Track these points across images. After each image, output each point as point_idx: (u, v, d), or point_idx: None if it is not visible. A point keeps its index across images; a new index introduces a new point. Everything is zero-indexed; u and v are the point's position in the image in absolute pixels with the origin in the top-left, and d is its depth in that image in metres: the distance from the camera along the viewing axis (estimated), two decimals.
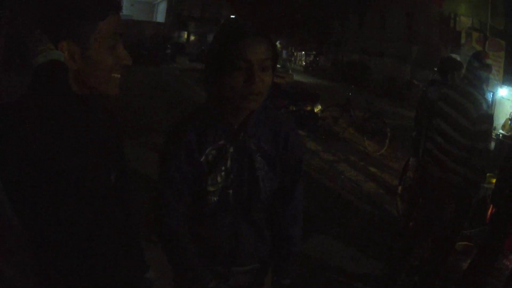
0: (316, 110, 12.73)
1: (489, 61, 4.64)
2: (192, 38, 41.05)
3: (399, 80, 22.00)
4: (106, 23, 1.59)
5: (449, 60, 5.80)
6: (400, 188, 7.10)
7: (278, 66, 29.97)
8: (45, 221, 1.58)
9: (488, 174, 4.88)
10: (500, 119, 8.78)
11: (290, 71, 23.67)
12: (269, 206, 2.34)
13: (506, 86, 9.47)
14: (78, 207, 1.64)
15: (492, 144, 6.64)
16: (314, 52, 40.24)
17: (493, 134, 7.54)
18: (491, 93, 8.72)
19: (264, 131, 2.21)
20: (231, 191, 2.19)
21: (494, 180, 5.13)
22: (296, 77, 23.42)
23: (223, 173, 2.15)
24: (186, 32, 42.18)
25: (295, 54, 44.74)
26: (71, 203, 1.61)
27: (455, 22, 18.13)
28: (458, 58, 6.40)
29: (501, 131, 8.57)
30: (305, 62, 42.20)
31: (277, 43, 28.88)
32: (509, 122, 8.69)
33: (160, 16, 48.49)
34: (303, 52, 42.75)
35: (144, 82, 19.14)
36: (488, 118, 4.44)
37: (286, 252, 2.41)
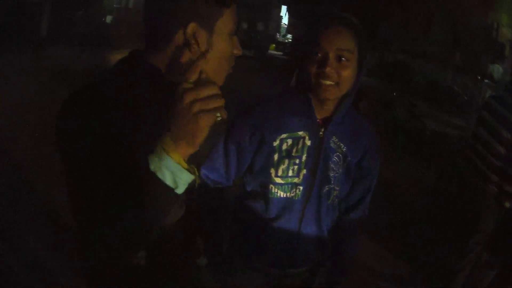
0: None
1: None
2: (241, 24, 40.87)
3: (441, 84, 21.69)
4: (231, 12, 1.54)
5: None
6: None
7: None
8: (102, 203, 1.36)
9: None
10: None
11: None
12: (335, 210, 2.27)
13: None
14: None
15: None
16: None
17: None
18: None
19: (347, 132, 2.13)
20: (301, 188, 2.10)
21: None
22: None
23: (296, 167, 2.08)
24: None
25: None
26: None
27: (497, 33, 18.20)
28: (500, 69, 6.00)
29: None
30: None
31: None
32: None
33: None
34: None
35: None
36: None
37: (341, 259, 2.40)
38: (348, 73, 1.94)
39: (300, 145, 2.06)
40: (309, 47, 1.97)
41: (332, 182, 2.12)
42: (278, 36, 49.09)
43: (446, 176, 6.85)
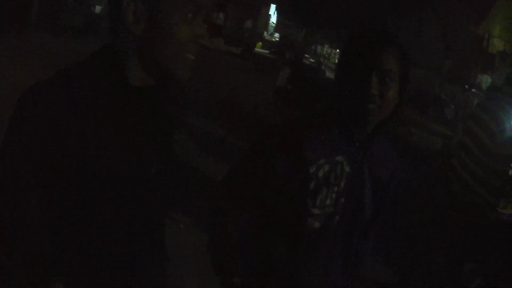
0: None
1: None
2: (229, 21, 41.07)
3: (428, 92, 21.67)
4: None
5: None
6: None
7: (312, 60, 29.88)
8: (64, 202, 1.41)
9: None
10: None
11: (323, 67, 23.82)
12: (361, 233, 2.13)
13: None
14: (107, 194, 1.49)
15: None
16: None
17: None
18: None
19: (377, 155, 2.01)
20: (337, 217, 1.95)
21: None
22: (328, 74, 22.83)
23: (334, 195, 1.92)
24: (223, 14, 42.18)
25: (329, 50, 44.73)
26: (97, 188, 1.45)
27: (488, 43, 18.42)
28: (489, 80, 6.30)
29: None
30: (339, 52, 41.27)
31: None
32: None
33: None
34: (338, 50, 41.60)
35: None
36: None
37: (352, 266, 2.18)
38: (391, 95, 1.82)
39: (338, 172, 1.91)
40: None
41: (365, 207, 2.01)
42: (265, 34, 48.97)
43: (430, 184, 6.82)
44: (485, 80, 18.80)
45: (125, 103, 1.48)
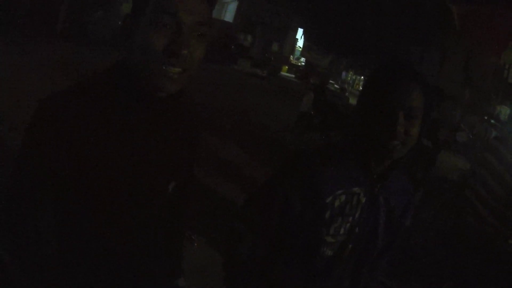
0: None
1: None
2: (256, 43, 41.05)
3: (447, 121, 21.34)
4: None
5: None
6: None
7: (337, 86, 29.80)
8: (75, 219, 1.46)
9: None
10: None
11: (347, 94, 23.58)
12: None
13: None
14: (120, 209, 1.51)
15: None
16: None
17: None
18: None
19: (393, 187, 2.00)
20: (350, 246, 1.95)
21: None
22: (352, 101, 23.16)
23: (348, 225, 1.92)
24: (251, 36, 42.13)
25: (354, 77, 44.79)
26: (111, 204, 1.47)
27: (508, 73, 18.25)
28: (508, 111, 5.98)
29: None
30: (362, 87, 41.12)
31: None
32: None
33: (228, 15, 47.57)
34: (362, 77, 42.50)
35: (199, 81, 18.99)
36: None
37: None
38: (415, 131, 1.78)
39: (354, 202, 1.90)
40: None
41: (378, 238, 1.98)
42: (291, 58, 49.23)
43: (443, 214, 6.74)
44: (504, 111, 18.75)
45: (140, 113, 1.49)
